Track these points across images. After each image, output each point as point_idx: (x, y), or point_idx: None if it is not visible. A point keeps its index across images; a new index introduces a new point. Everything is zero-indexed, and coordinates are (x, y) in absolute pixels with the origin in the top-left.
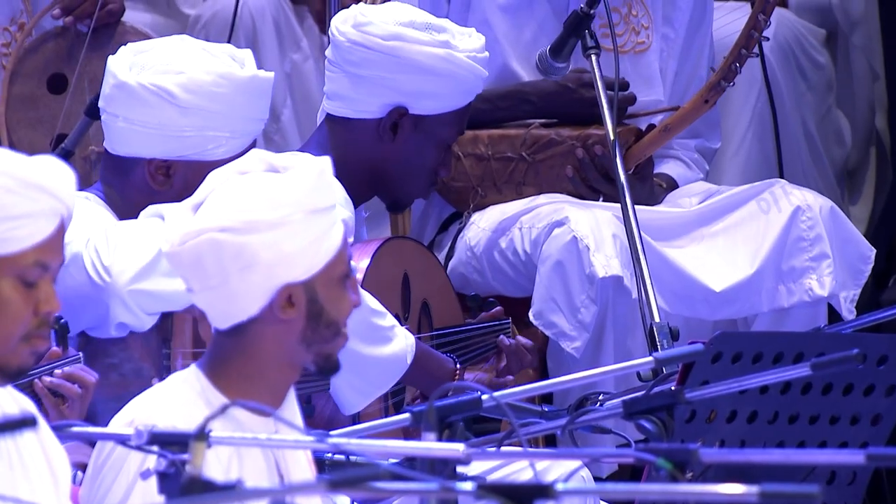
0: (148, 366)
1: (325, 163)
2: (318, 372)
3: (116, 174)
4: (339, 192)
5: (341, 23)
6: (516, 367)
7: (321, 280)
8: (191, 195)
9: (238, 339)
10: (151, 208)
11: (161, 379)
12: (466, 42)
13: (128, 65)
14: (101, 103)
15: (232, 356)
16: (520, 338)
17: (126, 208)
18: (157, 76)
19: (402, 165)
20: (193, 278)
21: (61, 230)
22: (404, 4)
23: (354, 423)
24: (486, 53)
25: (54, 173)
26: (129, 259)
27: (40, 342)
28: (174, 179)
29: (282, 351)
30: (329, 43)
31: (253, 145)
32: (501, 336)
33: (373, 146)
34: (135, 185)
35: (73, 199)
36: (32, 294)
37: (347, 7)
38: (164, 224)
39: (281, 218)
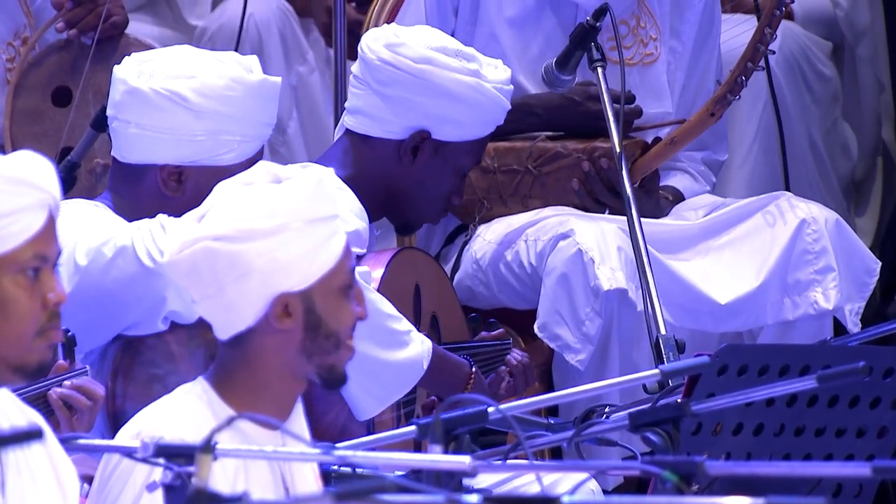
0: (192, 380)
1: (326, 173)
2: (323, 385)
3: (126, 182)
4: (353, 203)
5: (373, 41)
6: (523, 386)
7: (319, 290)
8: (202, 201)
9: (240, 350)
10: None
11: None
12: (494, 73)
13: (136, 72)
14: (110, 111)
15: (236, 368)
16: (515, 351)
17: (136, 217)
18: (169, 81)
19: (418, 189)
20: (192, 287)
21: (52, 220)
22: (436, 30)
23: (369, 432)
24: (511, 87)
25: (35, 166)
26: None
27: (54, 334)
28: (186, 185)
29: (283, 362)
30: (335, 56)
31: (261, 153)
32: (510, 356)
33: (391, 166)
34: (146, 192)
35: (57, 188)
36: (37, 288)
37: (354, 21)
38: None
39: (275, 227)
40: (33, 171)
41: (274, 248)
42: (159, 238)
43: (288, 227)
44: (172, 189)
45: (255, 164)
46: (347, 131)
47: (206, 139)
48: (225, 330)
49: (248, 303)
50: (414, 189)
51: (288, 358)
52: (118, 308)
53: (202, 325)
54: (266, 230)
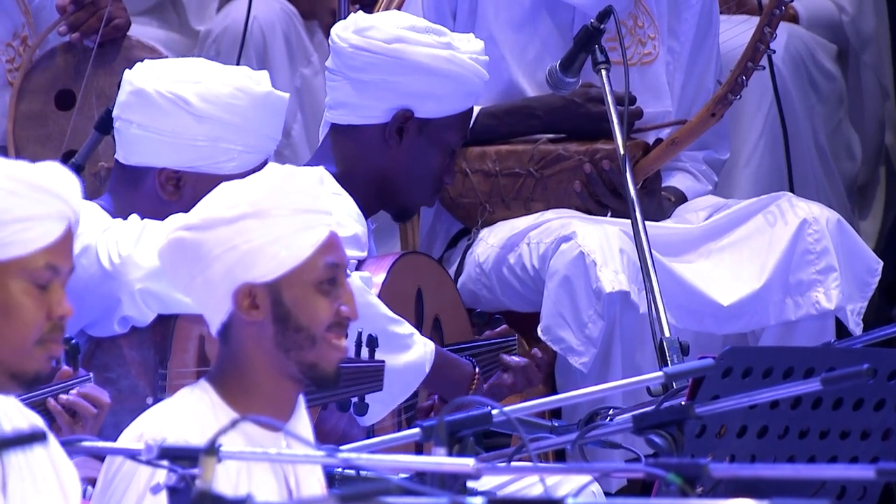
0: (143, 384)
1: (300, 170)
2: (312, 384)
3: (126, 184)
4: (350, 207)
5: (342, 30)
6: (523, 385)
7: (287, 283)
8: None
9: (228, 346)
10: (180, 215)
11: (155, 398)
12: (467, 45)
13: (144, 76)
14: (115, 111)
15: (228, 366)
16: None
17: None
18: (174, 84)
19: (408, 171)
20: (174, 280)
21: (69, 235)
22: (402, 12)
23: (369, 437)
24: (487, 57)
25: (59, 178)
26: (149, 256)
27: (54, 346)
28: (183, 191)
29: (264, 358)
30: None
31: (263, 165)
32: (502, 355)
33: (379, 152)
34: (144, 195)
35: (79, 204)
36: (44, 298)
37: None
38: None
39: (235, 216)
40: (58, 182)
41: (234, 237)
42: (122, 241)
43: (248, 216)
44: (169, 193)
45: None
46: (332, 127)
47: (207, 145)
48: (211, 323)
49: (216, 293)
50: (404, 172)
51: (267, 353)
52: (77, 306)
53: (152, 329)
54: (226, 219)
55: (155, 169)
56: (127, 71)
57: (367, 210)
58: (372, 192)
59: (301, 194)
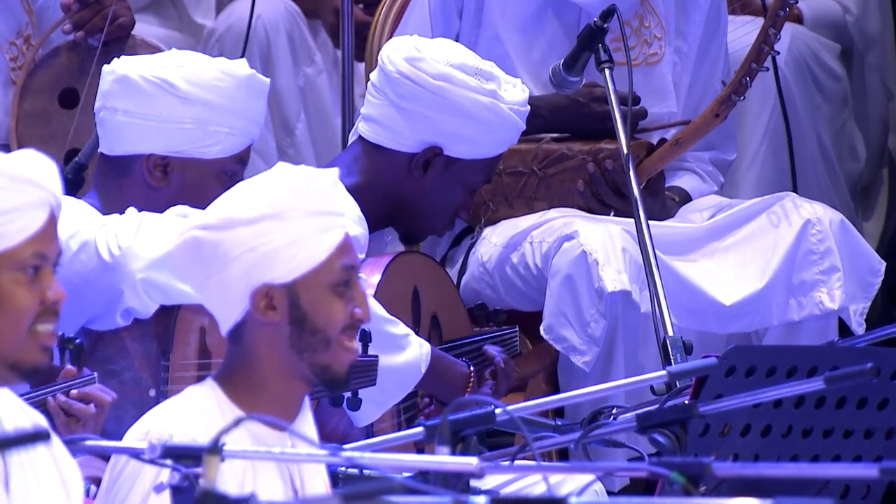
0: (146, 376)
1: (319, 172)
2: (322, 385)
3: (113, 176)
4: (352, 210)
5: (393, 52)
6: (505, 387)
7: (304, 285)
8: (187, 195)
9: (239, 346)
10: (178, 207)
11: (158, 390)
12: (512, 93)
13: (127, 65)
14: (98, 102)
15: (237, 366)
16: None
17: (122, 212)
18: (158, 69)
19: (426, 203)
20: (187, 276)
21: (53, 219)
22: (458, 45)
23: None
24: (528, 108)
25: (38, 165)
26: (149, 247)
27: (45, 335)
28: (171, 177)
29: (277, 358)
30: (343, 58)
31: (247, 152)
32: (485, 346)
33: (400, 178)
34: (132, 185)
35: (59, 188)
36: (35, 286)
37: (362, 22)
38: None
39: (255, 216)
40: (36, 169)
41: (253, 238)
42: (121, 233)
43: (268, 217)
44: (157, 180)
45: (242, 161)
46: (360, 138)
47: (194, 128)
48: (222, 323)
49: (232, 293)
50: (422, 202)
51: (280, 354)
52: (79, 301)
53: (154, 321)
54: (246, 220)
55: (142, 156)
56: (106, 65)
57: (376, 224)
58: (384, 211)
59: (319, 196)
